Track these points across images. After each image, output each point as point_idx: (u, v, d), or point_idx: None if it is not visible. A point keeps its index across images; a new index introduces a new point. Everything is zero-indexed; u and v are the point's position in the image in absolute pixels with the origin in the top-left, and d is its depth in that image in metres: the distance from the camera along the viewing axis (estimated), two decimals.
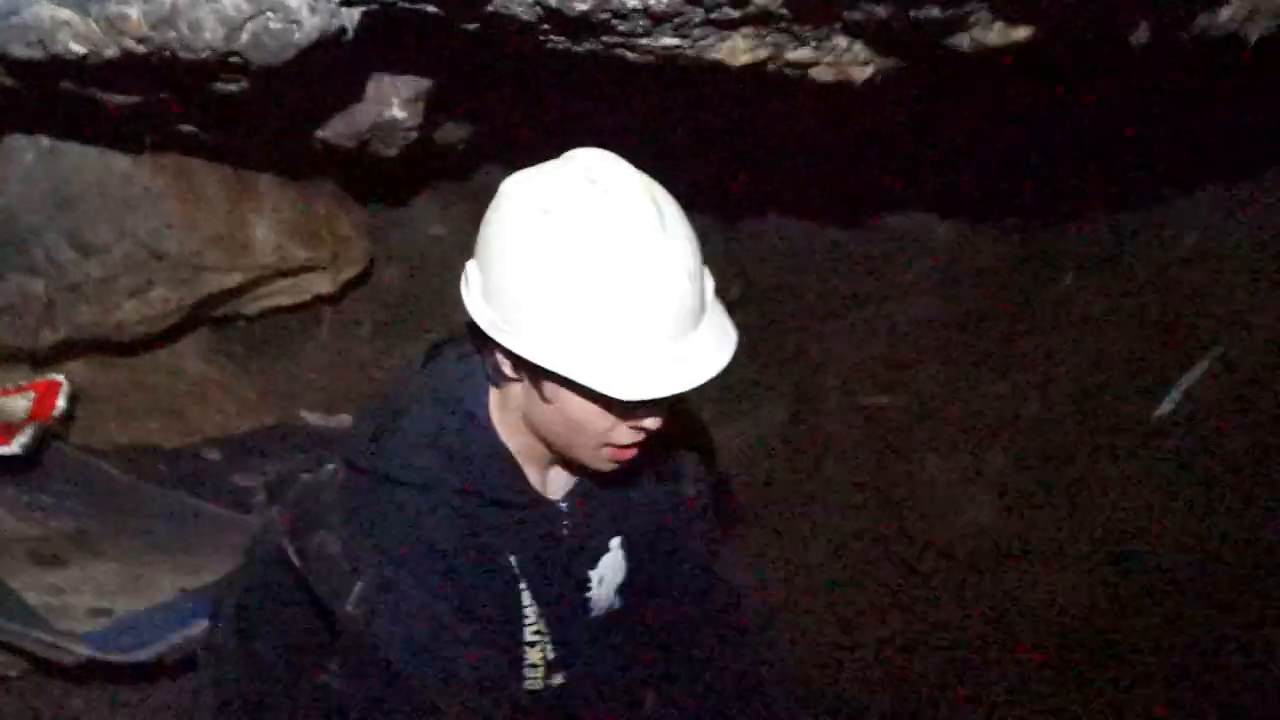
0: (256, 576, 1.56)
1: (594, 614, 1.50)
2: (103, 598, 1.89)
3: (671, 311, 1.20)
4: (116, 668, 1.76)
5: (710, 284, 1.28)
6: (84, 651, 1.71)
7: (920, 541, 2.69)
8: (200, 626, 1.82)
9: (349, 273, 2.99)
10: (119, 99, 1.94)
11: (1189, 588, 2.29)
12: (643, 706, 1.60)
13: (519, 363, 1.26)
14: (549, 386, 1.25)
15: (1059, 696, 2.10)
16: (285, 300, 2.99)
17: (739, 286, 3.33)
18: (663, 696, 1.61)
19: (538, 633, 1.41)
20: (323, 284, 2.98)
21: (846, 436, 2.92)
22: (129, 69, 1.73)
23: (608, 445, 1.29)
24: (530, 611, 1.40)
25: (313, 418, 3.00)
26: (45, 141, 2.42)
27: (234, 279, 2.78)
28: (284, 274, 2.87)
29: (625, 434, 1.27)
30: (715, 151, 2.88)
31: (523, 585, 1.39)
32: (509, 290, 1.23)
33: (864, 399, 2.98)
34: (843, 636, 2.38)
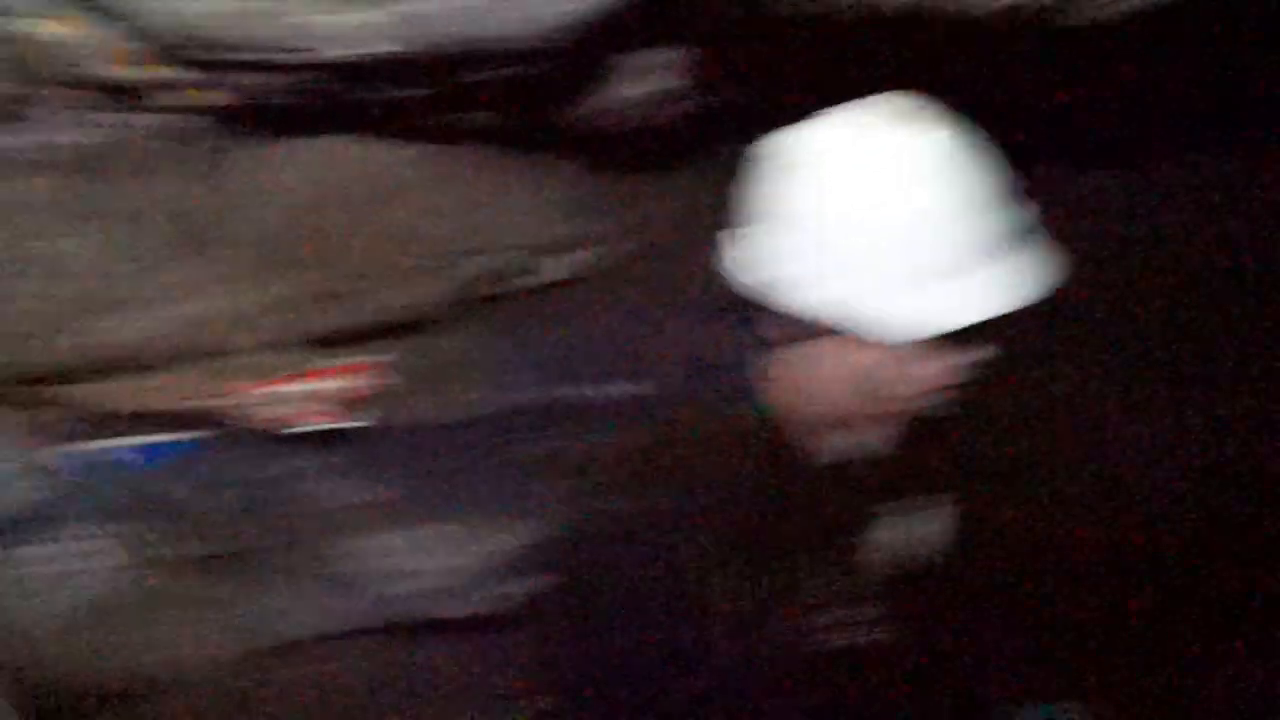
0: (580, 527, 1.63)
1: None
2: (425, 557, 2.06)
3: (937, 246, 1.22)
4: (441, 623, 1.91)
5: (1004, 220, 1.25)
6: (414, 605, 1.85)
7: None
8: (517, 583, 1.95)
9: (611, 247, 3.06)
10: (402, 93, 2.05)
11: None
12: None
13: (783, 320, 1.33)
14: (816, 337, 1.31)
15: None
16: (548, 277, 3.09)
17: None
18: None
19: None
20: (585, 259, 3.06)
21: None
22: (409, 65, 1.84)
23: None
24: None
25: (587, 389, 3.12)
26: (325, 142, 2.61)
27: (501, 259, 2.91)
28: (547, 250, 2.98)
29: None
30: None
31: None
32: (769, 240, 1.31)
33: None
34: None
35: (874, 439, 1.37)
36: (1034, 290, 1.23)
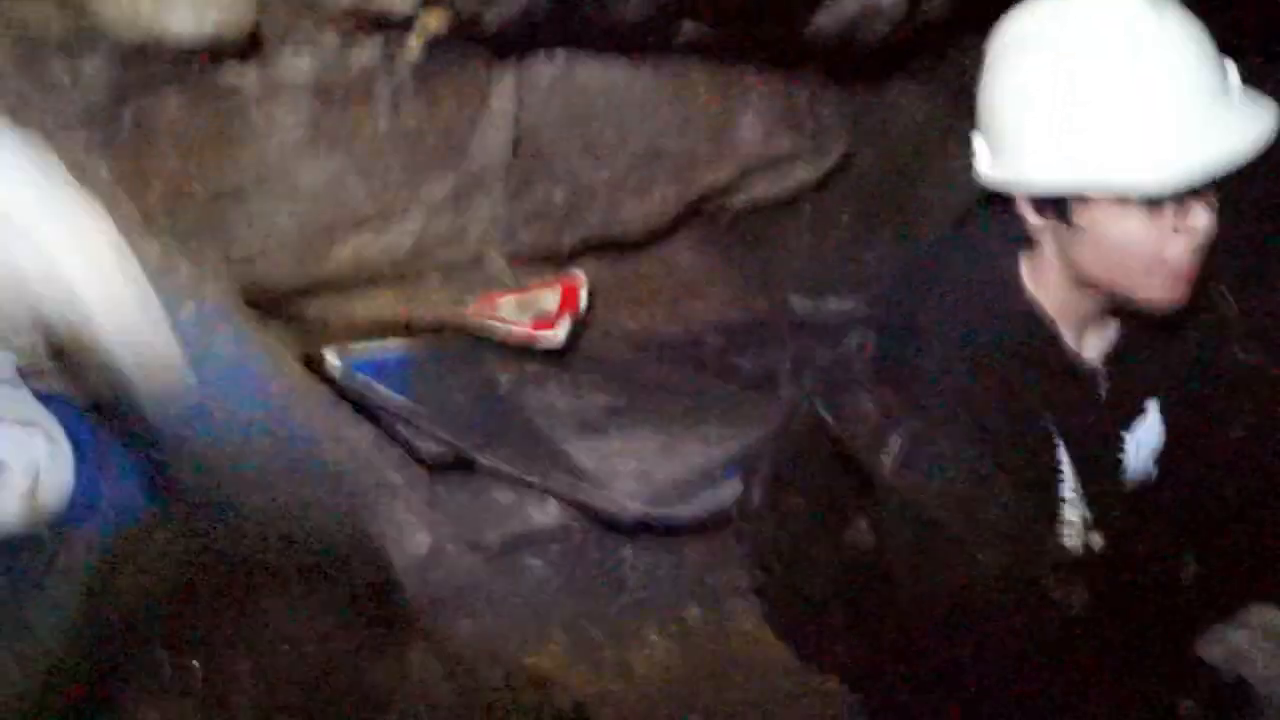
0: (790, 442, 1.68)
1: (1128, 477, 1.46)
2: (643, 462, 2.13)
3: (1177, 83, 1.15)
4: (660, 525, 1.99)
5: (1233, 70, 1.20)
6: (637, 509, 1.95)
7: None
8: (729, 489, 2.01)
9: (831, 160, 3.04)
10: (632, 12, 2.10)
11: None
12: (1180, 577, 1.54)
13: (1041, 206, 1.26)
14: (1081, 213, 1.23)
15: None
16: (770, 191, 3.10)
17: None
18: (1202, 568, 1.54)
19: (1074, 490, 1.38)
20: (805, 172, 3.05)
21: None
22: None
23: (1164, 267, 1.23)
24: (1065, 470, 1.38)
25: (801, 303, 3.12)
26: (560, 60, 2.69)
27: (725, 172, 2.94)
28: (770, 164, 2.99)
29: (1177, 244, 1.21)
30: None
31: (1059, 444, 1.38)
32: (1009, 129, 1.25)
33: None
34: None
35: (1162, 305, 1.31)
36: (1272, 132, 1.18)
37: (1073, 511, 1.39)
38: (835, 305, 3.05)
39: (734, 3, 2.05)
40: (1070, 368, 1.37)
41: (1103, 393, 1.40)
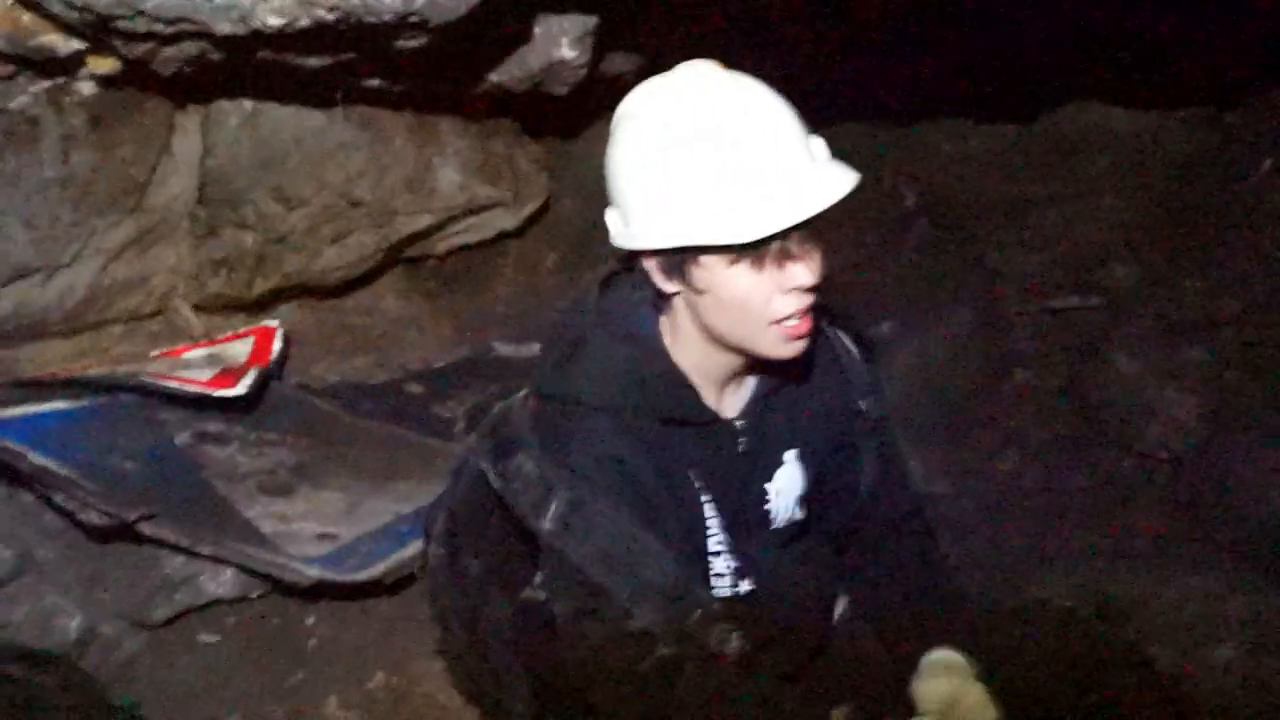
0: (461, 498, 1.68)
1: (775, 525, 1.55)
2: (327, 524, 2.07)
3: (767, 147, 1.28)
4: (344, 586, 1.94)
5: (819, 144, 1.33)
6: (315, 574, 1.88)
7: (1117, 445, 2.63)
8: (415, 547, 1.99)
9: (530, 208, 3.10)
10: (311, 62, 2.06)
11: None
12: (832, 613, 1.65)
13: (666, 270, 1.35)
14: (697, 275, 1.33)
15: (1265, 598, 2.02)
16: (472, 238, 3.13)
17: (913, 196, 3.27)
18: (853, 603, 1.67)
19: (721, 543, 1.47)
20: (506, 220, 3.09)
21: (1035, 341, 2.85)
22: (320, 36, 1.85)
23: (777, 323, 1.33)
24: (713, 523, 1.46)
25: (504, 348, 3.14)
26: (248, 105, 2.60)
27: (424, 220, 2.93)
28: (470, 212, 3.00)
29: (785, 302, 1.31)
30: (876, 58, 2.83)
31: (704, 498, 1.46)
32: (625, 196, 1.36)
33: (1053, 302, 2.89)
34: (1038, 546, 2.35)
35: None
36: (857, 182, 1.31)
37: (721, 563, 1.48)
38: (538, 349, 3.09)
39: (415, 58, 2.04)
40: (711, 424, 1.46)
41: (741, 447, 1.49)
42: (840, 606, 1.68)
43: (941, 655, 1.48)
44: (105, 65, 2.11)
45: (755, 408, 1.50)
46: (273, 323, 2.70)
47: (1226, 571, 2.12)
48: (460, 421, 2.61)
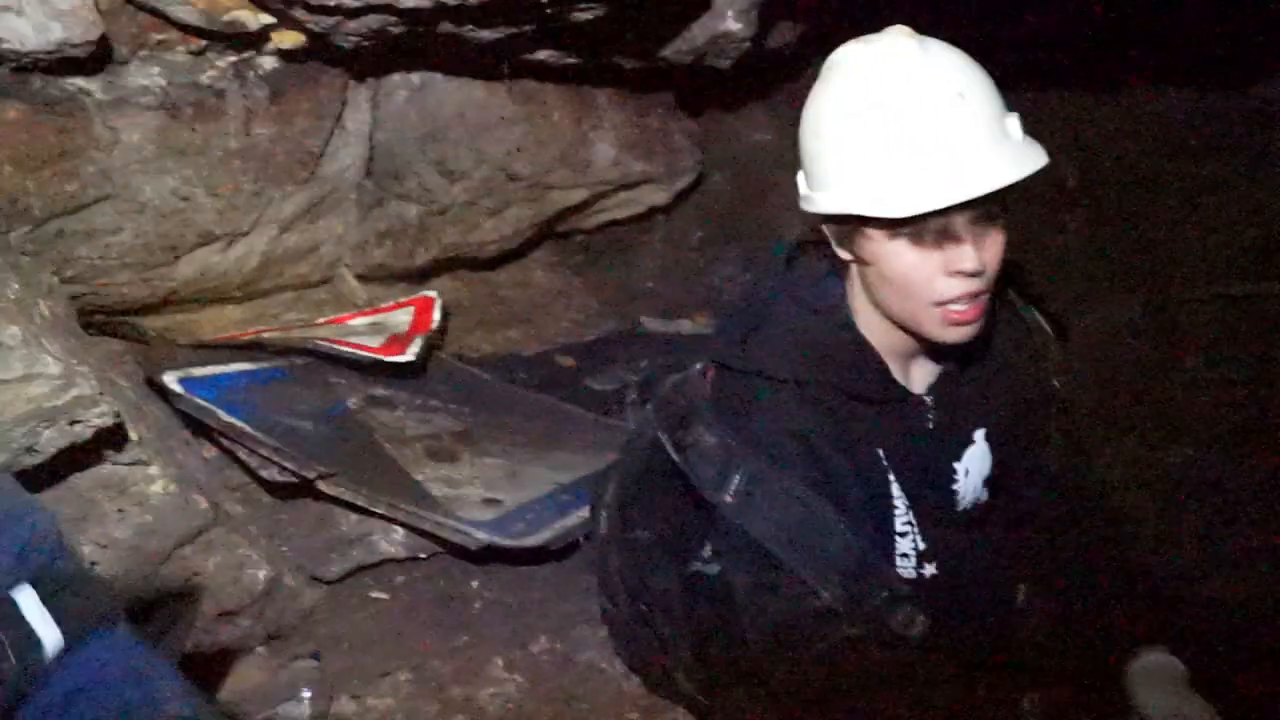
0: (635, 469, 1.70)
1: (961, 507, 1.52)
2: (492, 489, 2.11)
3: (934, 125, 1.24)
4: (510, 551, 1.98)
5: (1013, 121, 1.29)
6: (483, 537, 1.93)
7: None
8: (578, 516, 2.02)
9: (682, 183, 3.09)
10: (486, 35, 2.09)
11: None
12: (1014, 599, 1.60)
13: (835, 236, 1.36)
14: (864, 246, 1.32)
15: None
16: (623, 213, 3.14)
17: (1075, 174, 3.16)
18: (1034, 589, 1.61)
19: (908, 523, 1.45)
20: (657, 195, 3.10)
21: (1209, 328, 2.73)
22: (501, 7, 1.88)
23: (940, 305, 1.30)
24: (900, 502, 1.44)
25: (652, 323, 3.16)
26: (416, 79, 2.67)
27: (579, 195, 2.96)
28: (623, 187, 3.02)
29: (948, 285, 1.29)
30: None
31: (891, 476, 1.44)
32: (807, 159, 1.36)
33: (1230, 288, 2.76)
34: (1209, 544, 2.26)
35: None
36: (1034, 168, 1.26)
37: (906, 544, 1.46)
38: (687, 327, 3.11)
39: (587, 30, 2.06)
40: (899, 399, 1.43)
41: (930, 424, 1.46)
42: (1021, 593, 1.64)
43: (1156, 659, 1.42)
44: (290, 39, 2.18)
45: (945, 384, 1.47)
46: (431, 293, 2.77)
47: None
48: (631, 393, 2.63)
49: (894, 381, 1.42)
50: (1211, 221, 2.86)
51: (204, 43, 2.17)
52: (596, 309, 3.31)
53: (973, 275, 1.28)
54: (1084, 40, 2.88)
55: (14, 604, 0.99)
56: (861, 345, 1.41)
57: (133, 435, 1.61)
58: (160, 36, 2.09)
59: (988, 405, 1.49)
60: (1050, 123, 3.19)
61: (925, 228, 1.26)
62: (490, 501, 2.07)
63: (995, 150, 1.26)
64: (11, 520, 1.04)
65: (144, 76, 2.16)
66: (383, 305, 2.74)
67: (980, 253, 1.27)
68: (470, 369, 2.72)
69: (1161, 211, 2.96)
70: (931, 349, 1.43)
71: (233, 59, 2.28)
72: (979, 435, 1.50)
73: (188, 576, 1.70)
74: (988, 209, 1.26)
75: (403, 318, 2.67)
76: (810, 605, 1.38)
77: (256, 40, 2.18)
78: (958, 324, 1.32)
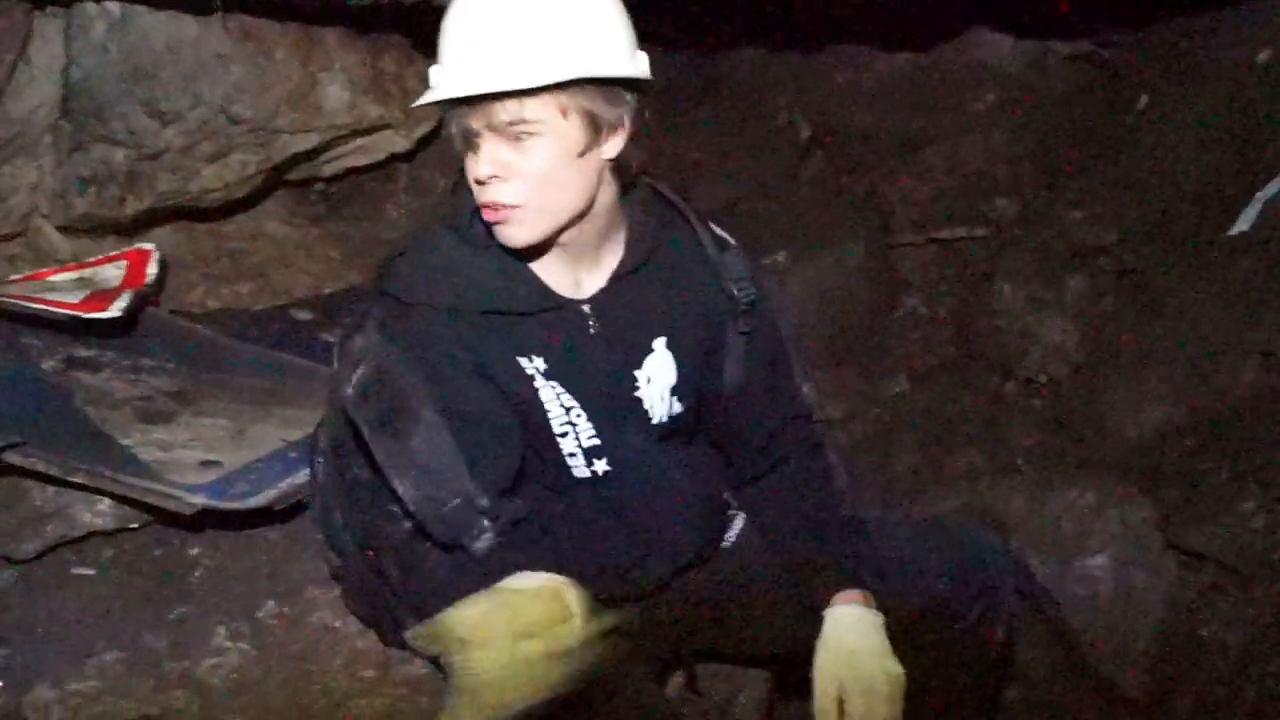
0: (341, 409, 1.63)
1: (656, 417, 1.55)
2: (211, 451, 1.99)
3: (465, 19, 1.32)
4: (229, 515, 1.87)
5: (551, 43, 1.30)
6: (199, 501, 1.81)
7: (1000, 371, 2.72)
8: (306, 474, 1.93)
9: (422, 129, 2.99)
10: None
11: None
12: (719, 525, 1.66)
13: None
14: None
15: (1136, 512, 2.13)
16: (361, 160, 3.02)
17: (809, 128, 3.28)
18: (749, 525, 1.68)
19: (567, 423, 1.49)
20: (398, 142, 2.99)
21: (924, 271, 2.92)
22: None
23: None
24: (553, 406, 1.47)
25: None
26: (115, 9, 2.45)
27: (310, 140, 2.81)
28: (358, 133, 2.89)
29: (476, 191, 1.36)
30: None
31: (540, 382, 1.46)
32: None
33: (940, 233, 2.96)
34: (927, 466, 2.42)
35: None
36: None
37: (570, 443, 1.50)
38: None
39: None
40: (553, 308, 1.45)
41: (593, 328, 1.48)
42: (737, 526, 1.69)
43: (852, 610, 1.51)
44: None
45: (609, 292, 1.49)
46: (148, 246, 2.57)
47: (1101, 488, 2.21)
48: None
49: (541, 289, 1.45)
50: (922, 172, 3.04)
51: None
52: (337, 260, 3.17)
53: (480, 183, 1.34)
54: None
55: None
56: (502, 258, 1.42)
57: None
58: None
59: (670, 315, 1.53)
60: (786, 81, 3.33)
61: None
62: (209, 464, 1.95)
63: (503, 57, 1.29)
64: None
65: None
66: (91, 260, 2.52)
67: (484, 161, 1.32)
68: (190, 325, 2.55)
69: (883, 163, 3.13)
70: (579, 255, 1.46)
71: None
72: (659, 344, 1.52)
73: None
74: (500, 120, 1.30)
75: (113, 272, 2.46)
76: (387, 507, 1.47)
77: None
78: (493, 224, 1.37)
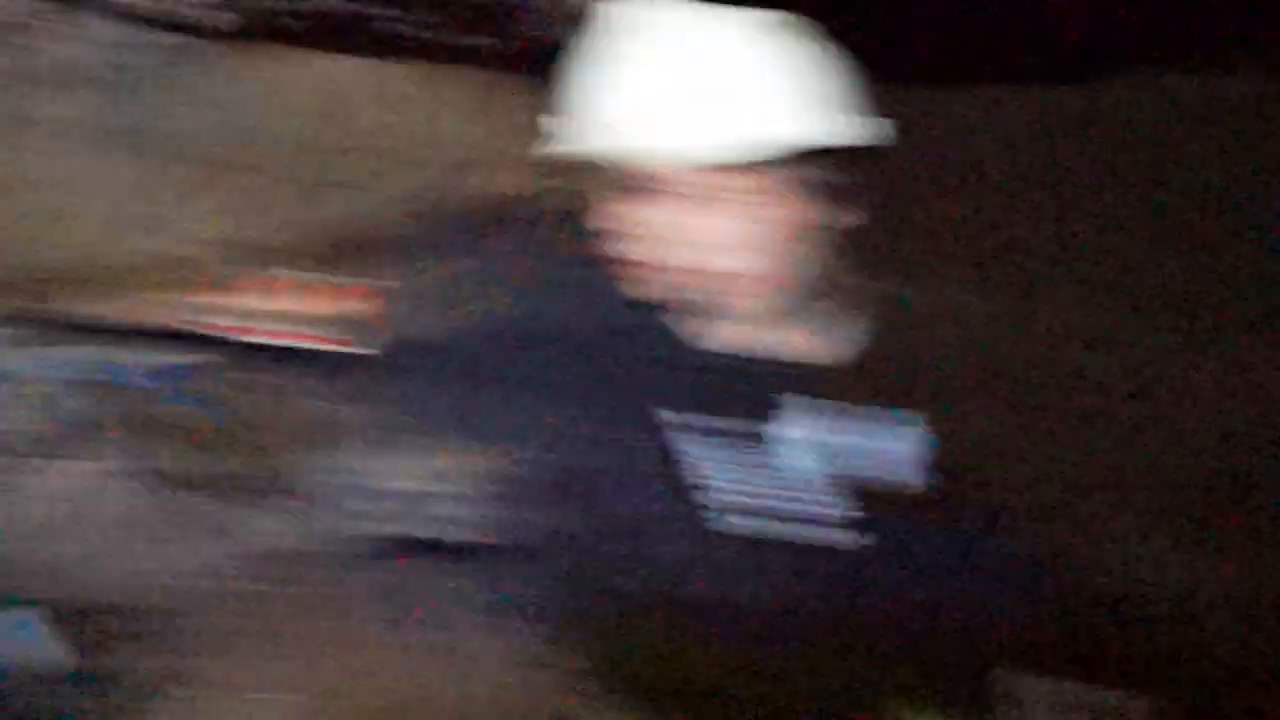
0: None
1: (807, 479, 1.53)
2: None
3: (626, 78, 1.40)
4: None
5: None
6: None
7: None
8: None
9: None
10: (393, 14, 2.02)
11: None
12: None
13: None
14: None
15: None
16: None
17: None
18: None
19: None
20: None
21: None
22: None
23: None
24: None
25: None
26: (314, 58, 2.57)
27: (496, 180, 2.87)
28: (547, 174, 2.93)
29: None
30: None
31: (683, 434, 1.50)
32: None
33: None
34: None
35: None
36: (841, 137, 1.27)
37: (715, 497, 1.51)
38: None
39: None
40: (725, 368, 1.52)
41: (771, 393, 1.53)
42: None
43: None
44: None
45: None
46: (355, 281, 2.68)
47: None
48: None
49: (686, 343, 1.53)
50: None
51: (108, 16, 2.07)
52: (520, 298, 3.21)
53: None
54: None
55: None
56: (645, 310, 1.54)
57: None
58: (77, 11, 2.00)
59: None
60: None
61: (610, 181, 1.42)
62: (413, 493, 2.02)
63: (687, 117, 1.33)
64: None
65: (54, 51, 2.06)
66: (307, 288, 2.64)
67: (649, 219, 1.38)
68: (403, 354, 2.63)
69: None
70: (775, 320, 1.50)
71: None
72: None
73: None
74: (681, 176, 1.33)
75: (328, 304, 2.58)
76: None
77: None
78: None
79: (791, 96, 1.30)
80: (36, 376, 1.93)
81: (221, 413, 2.06)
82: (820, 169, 1.32)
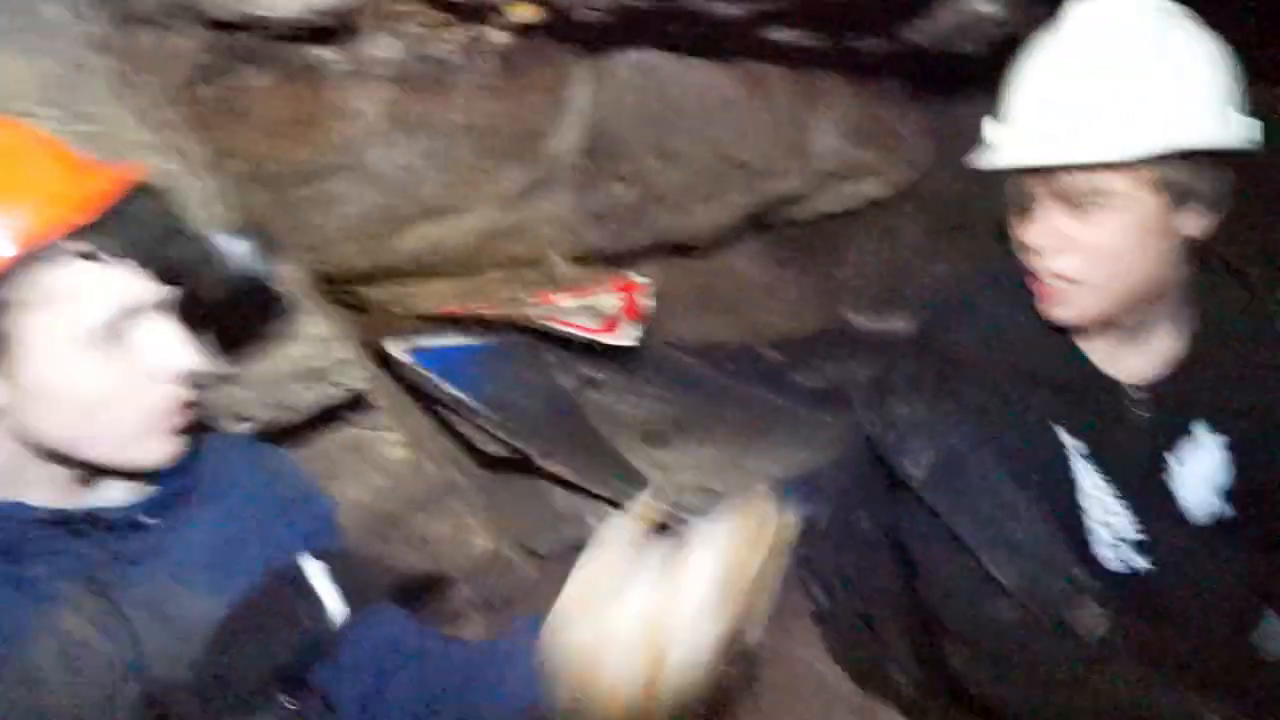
0: (854, 463, 1.62)
1: (1194, 515, 1.39)
2: (706, 477, 2.08)
3: (1019, 76, 1.29)
4: None
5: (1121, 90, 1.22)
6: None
7: None
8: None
9: (904, 177, 2.97)
10: (732, 10, 2.03)
11: None
12: (1248, 628, 1.45)
13: None
14: None
15: None
16: (838, 205, 3.04)
17: None
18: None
19: (1109, 510, 1.36)
20: (877, 189, 2.99)
21: None
22: None
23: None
24: (1088, 484, 1.36)
25: (861, 320, 3.06)
26: (636, 56, 2.64)
27: (794, 184, 2.88)
28: (842, 178, 2.93)
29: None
30: None
31: (1074, 457, 1.35)
32: None
33: None
34: None
35: None
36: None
37: (1106, 531, 1.36)
38: (898, 324, 2.99)
39: (830, 10, 1.98)
40: (1096, 385, 1.35)
41: (1140, 412, 1.35)
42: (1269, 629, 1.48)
43: None
44: (528, 13, 2.18)
45: (1171, 380, 1.36)
46: (640, 279, 2.74)
47: None
48: (821, 393, 2.56)
49: (1089, 368, 1.35)
50: None
51: (442, 15, 2.20)
52: (795, 301, 3.22)
53: (1038, 253, 1.27)
54: None
55: (302, 572, 1.02)
56: (1049, 329, 1.34)
57: (377, 401, 1.63)
58: (400, 7, 2.13)
59: (1214, 400, 1.37)
60: None
61: (1006, 190, 1.30)
62: (704, 489, 2.04)
63: (1082, 125, 1.21)
64: (300, 503, 1.07)
65: (381, 47, 2.20)
66: (588, 288, 2.73)
67: (1040, 229, 1.26)
68: (681, 356, 2.68)
69: None
70: (1131, 335, 1.34)
71: (466, 33, 2.30)
72: (1201, 429, 1.37)
73: (416, 542, 1.72)
74: (1066, 189, 1.22)
75: (612, 300, 2.65)
76: (992, 590, 1.32)
77: (491, 14, 2.19)
78: (1044, 300, 1.31)
79: (1198, 97, 1.20)
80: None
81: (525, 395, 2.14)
82: (1192, 172, 1.21)
